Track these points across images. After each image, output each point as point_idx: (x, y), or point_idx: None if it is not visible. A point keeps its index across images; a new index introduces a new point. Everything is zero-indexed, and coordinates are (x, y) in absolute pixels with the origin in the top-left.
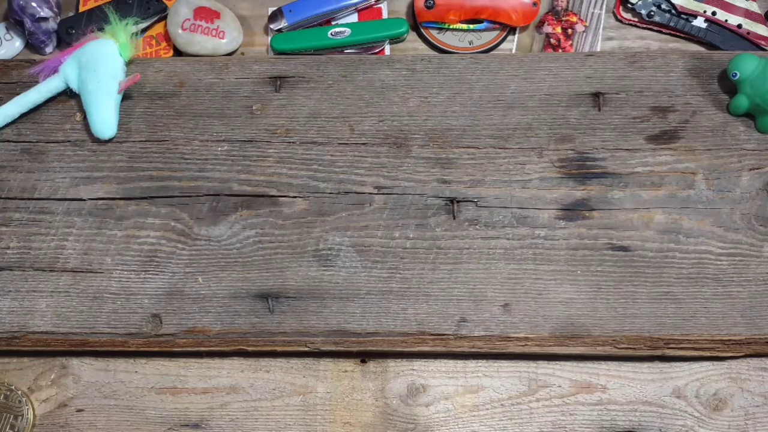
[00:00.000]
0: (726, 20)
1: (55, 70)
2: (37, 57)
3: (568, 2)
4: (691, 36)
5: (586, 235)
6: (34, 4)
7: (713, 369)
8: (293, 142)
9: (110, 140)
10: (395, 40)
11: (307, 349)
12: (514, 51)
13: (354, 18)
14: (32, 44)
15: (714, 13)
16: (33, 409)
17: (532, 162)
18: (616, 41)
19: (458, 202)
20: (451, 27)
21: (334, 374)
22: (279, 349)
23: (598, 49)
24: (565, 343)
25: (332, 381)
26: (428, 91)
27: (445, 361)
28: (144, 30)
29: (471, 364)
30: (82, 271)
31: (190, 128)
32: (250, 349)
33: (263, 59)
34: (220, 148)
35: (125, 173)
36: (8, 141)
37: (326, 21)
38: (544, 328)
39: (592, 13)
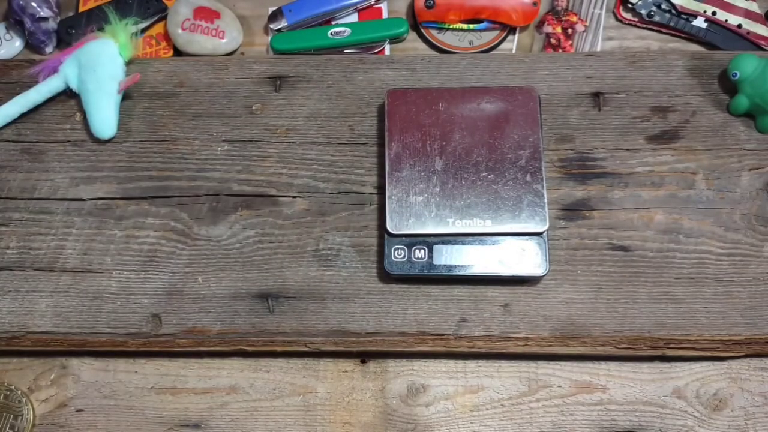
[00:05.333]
0: (726, 20)
1: (55, 70)
2: (37, 57)
3: (568, 2)
4: (691, 36)
5: (586, 235)
6: (34, 4)
7: (713, 369)
8: (293, 142)
9: (110, 140)
10: (395, 40)
11: (307, 349)
12: (514, 51)
13: (354, 18)
14: (32, 44)
15: (714, 13)
16: (33, 409)
17: None
18: (616, 41)
19: None
20: (451, 27)
21: (334, 374)
22: (279, 349)
23: (599, 49)
24: (565, 343)
25: (332, 381)
26: None
27: (445, 361)
28: (144, 30)
29: (471, 364)
30: (82, 271)
31: (190, 128)
32: (249, 349)
33: (263, 59)
34: (220, 148)
35: (125, 173)
36: (8, 141)
37: (326, 21)
38: (544, 328)
39: (593, 13)
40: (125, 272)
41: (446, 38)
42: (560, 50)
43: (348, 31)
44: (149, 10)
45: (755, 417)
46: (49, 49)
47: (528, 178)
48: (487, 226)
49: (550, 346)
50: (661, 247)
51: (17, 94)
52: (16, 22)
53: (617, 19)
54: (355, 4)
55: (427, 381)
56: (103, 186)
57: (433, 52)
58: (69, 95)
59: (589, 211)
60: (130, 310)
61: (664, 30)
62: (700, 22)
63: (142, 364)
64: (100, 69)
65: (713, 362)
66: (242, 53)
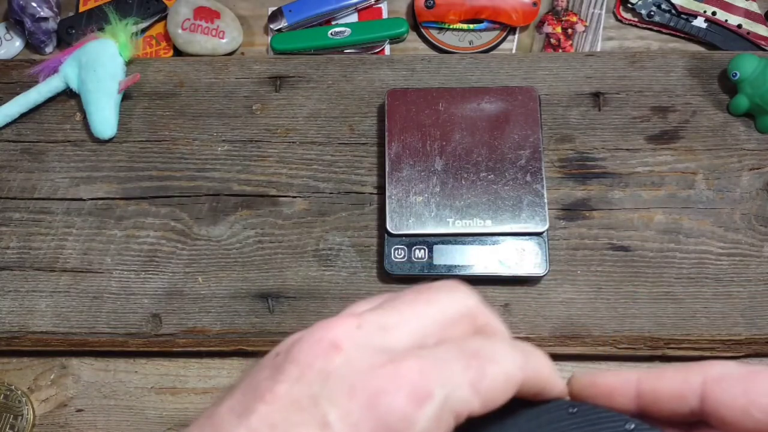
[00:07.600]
0: (726, 20)
1: (55, 70)
2: (37, 57)
3: (568, 2)
4: (691, 36)
5: (586, 235)
6: (34, 4)
7: None
8: (293, 142)
9: (110, 140)
10: (395, 40)
11: None
12: (514, 51)
13: (354, 18)
14: (32, 44)
15: (714, 13)
16: (33, 409)
17: None
18: (616, 41)
19: None
20: (451, 27)
21: None
22: None
23: (599, 49)
24: (565, 343)
25: None
26: None
27: None
28: (144, 30)
29: None
30: (82, 271)
31: (190, 128)
32: (250, 349)
33: (263, 59)
34: (220, 148)
35: (125, 173)
36: (8, 141)
37: (326, 21)
38: (544, 328)
39: (592, 13)
40: (125, 272)
41: (446, 38)
42: (560, 50)
43: (348, 31)
44: (149, 10)
45: None
46: (49, 49)
47: (528, 178)
48: (487, 226)
49: (550, 346)
50: (661, 247)
51: (17, 94)
52: (16, 22)
53: (617, 19)
54: (355, 4)
55: None
56: (103, 186)
57: (433, 52)
58: (69, 95)
59: (589, 211)
60: (130, 310)
61: (664, 30)
62: (700, 22)
63: (142, 364)
64: (100, 69)
65: None
66: (242, 53)
